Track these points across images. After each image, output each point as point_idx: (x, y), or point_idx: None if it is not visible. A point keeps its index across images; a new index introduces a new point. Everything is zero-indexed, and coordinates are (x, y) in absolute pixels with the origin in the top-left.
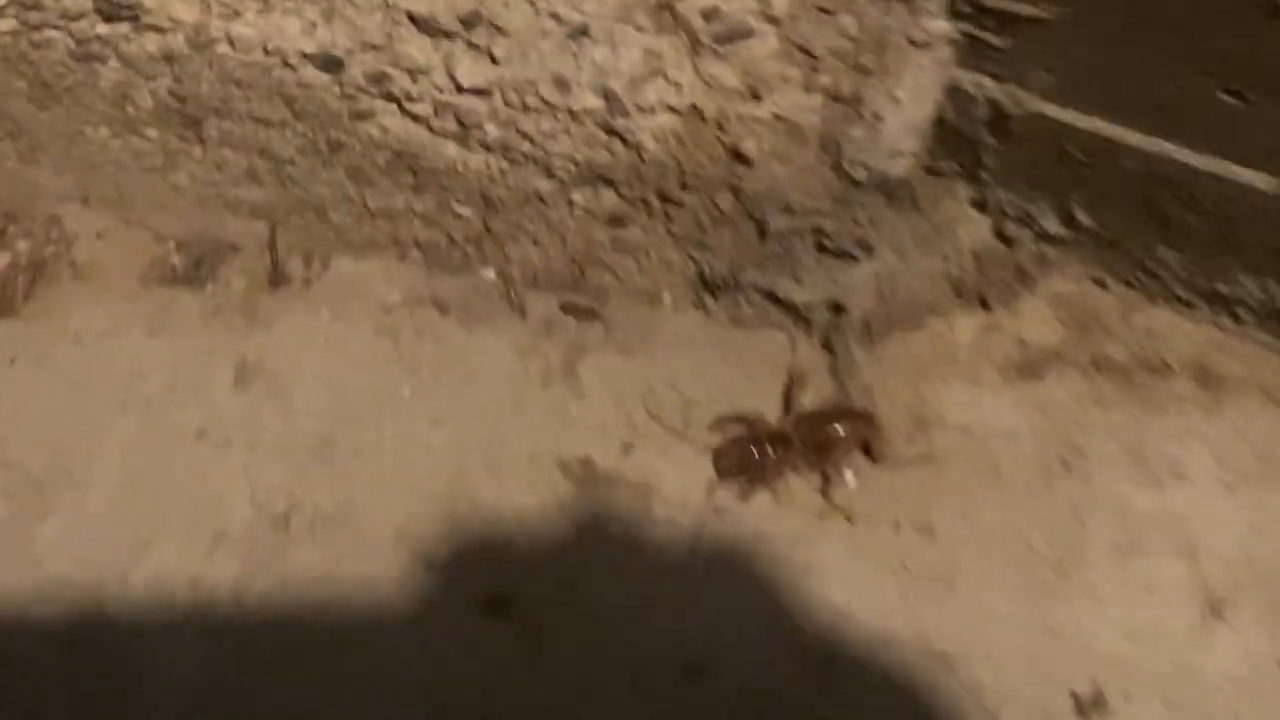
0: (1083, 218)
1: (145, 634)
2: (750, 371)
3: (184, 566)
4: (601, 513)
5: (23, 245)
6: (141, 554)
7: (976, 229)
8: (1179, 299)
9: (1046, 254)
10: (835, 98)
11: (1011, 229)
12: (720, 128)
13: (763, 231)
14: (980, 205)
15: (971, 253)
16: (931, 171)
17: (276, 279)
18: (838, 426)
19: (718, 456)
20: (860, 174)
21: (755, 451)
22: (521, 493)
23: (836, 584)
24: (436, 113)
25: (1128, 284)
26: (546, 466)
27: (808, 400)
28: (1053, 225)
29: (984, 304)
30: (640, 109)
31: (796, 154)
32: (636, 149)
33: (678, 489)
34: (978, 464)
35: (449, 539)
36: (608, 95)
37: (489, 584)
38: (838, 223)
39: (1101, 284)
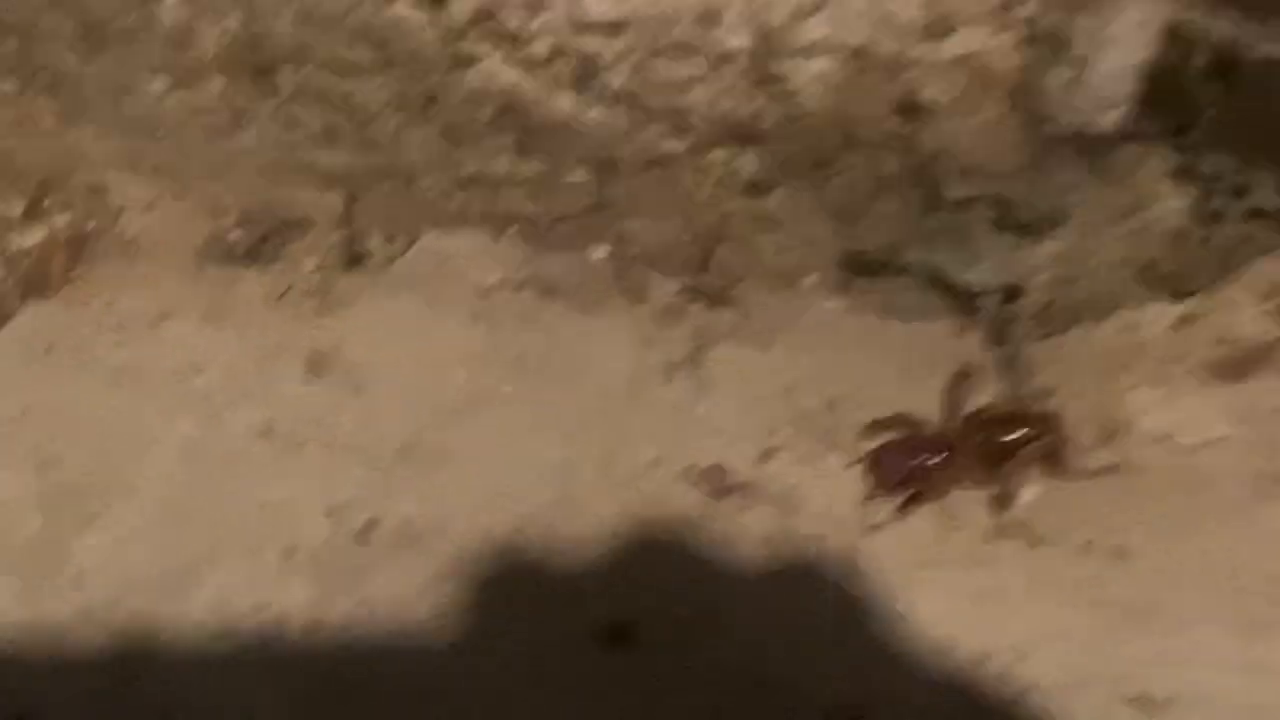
0: None
1: (204, 667)
2: (907, 367)
3: (249, 588)
4: (737, 529)
5: (61, 218)
6: (199, 573)
7: (1176, 202)
8: None
9: (1256, 234)
10: (1034, 37)
11: (1219, 203)
12: (892, 73)
13: (934, 200)
14: (1184, 174)
15: (1168, 232)
16: (1131, 134)
17: (354, 257)
18: (1014, 433)
19: (873, 465)
20: (1059, 130)
21: (917, 460)
22: (642, 505)
23: (1016, 616)
24: (553, 57)
25: None
26: (671, 475)
27: (976, 402)
28: (1270, 198)
29: (1179, 292)
30: (798, 51)
31: (983, 105)
32: (788, 100)
33: (826, 503)
34: (1177, 479)
35: (559, 558)
36: (761, 33)
37: (608, 612)
38: (1025, 190)
39: None
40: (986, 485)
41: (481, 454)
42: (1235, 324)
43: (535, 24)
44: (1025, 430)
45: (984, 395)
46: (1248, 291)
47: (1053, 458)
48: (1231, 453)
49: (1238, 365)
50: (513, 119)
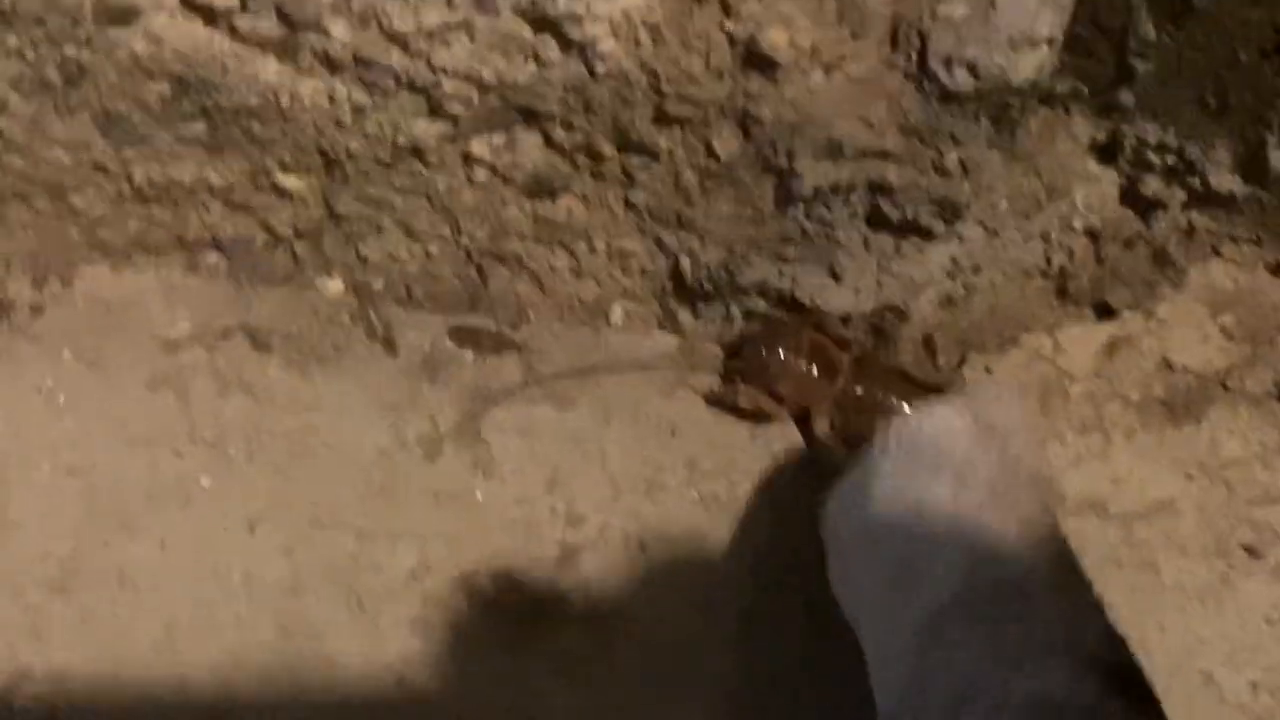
0: (1278, 161)
1: None
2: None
3: None
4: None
5: None
6: None
7: (1099, 190)
8: None
9: (1200, 227)
10: None
11: (1153, 187)
12: (726, 10)
13: (785, 193)
14: (1108, 151)
15: (1087, 230)
16: (1044, 95)
17: None
18: None
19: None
20: (959, 81)
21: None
22: (401, 635)
23: None
24: (244, 2)
25: None
26: (435, 589)
27: None
28: (1223, 177)
29: (1104, 309)
30: None
31: (853, 52)
32: (583, 56)
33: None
34: (1120, 559)
35: None
36: None
37: None
38: (911, 172)
39: None
40: None
41: (169, 578)
42: (1179, 348)
43: None
44: None
45: None
46: (1196, 304)
47: None
48: (1186, 521)
49: (1188, 403)
50: (195, 98)
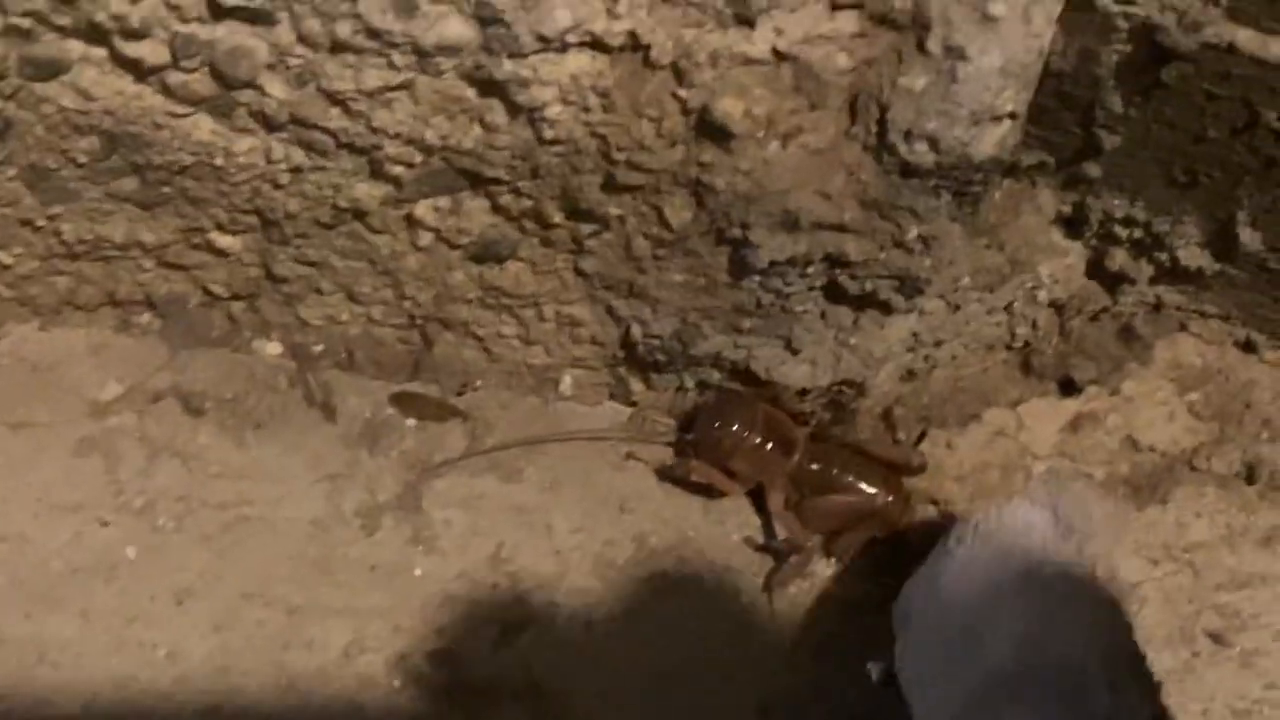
0: (1248, 238)
1: None
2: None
3: None
4: None
5: None
6: None
7: (1064, 263)
8: None
9: (1168, 302)
10: (883, 20)
11: (1120, 261)
12: (679, 78)
13: (740, 264)
14: (1074, 224)
15: (1051, 303)
16: (1008, 168)
17: None
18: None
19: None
20: (920, 155)
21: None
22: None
23: None
24: (176, 58)
25: None
26: (370, 669)
27: None
28: (1191, 252)
29: (1068, 384)
30: (542, 43)
31: (810, 123)
32: (531, 120)
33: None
34: None
35: None
36: (486, 19)
37: None
38: (870, 246)
39: (1250, 348)
40: None
41: (90, 653)
42: (1145, 427)
43: (137, 10)
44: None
45: None
46: (1161, 380)
47: None
48: (1151, 607)
49: (1152, 482)
50: (125, 154)
